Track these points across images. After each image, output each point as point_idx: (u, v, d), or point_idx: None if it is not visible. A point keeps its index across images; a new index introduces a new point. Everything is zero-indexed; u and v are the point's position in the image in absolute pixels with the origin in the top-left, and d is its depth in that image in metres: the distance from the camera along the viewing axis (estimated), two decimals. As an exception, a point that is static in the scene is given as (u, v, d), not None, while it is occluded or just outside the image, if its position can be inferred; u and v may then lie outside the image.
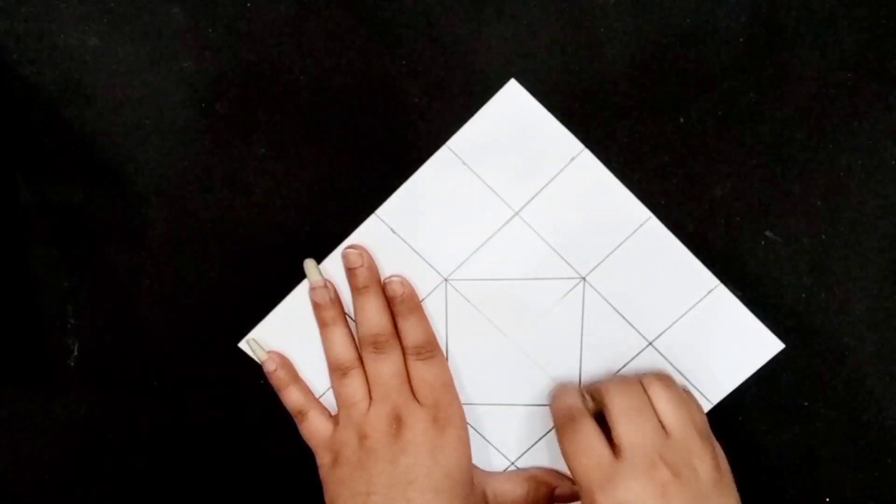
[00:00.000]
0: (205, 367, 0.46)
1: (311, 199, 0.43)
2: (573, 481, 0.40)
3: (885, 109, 0.41)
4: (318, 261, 0.44)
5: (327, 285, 0.43)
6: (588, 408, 0.42)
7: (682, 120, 0.42)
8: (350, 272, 0.43)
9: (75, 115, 0.43)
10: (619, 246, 0.43)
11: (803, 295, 0.43)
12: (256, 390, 0.46)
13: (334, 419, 0.44)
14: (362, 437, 0.42)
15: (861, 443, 0.44)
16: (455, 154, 0.42)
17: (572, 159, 0.42)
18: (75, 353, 0.46)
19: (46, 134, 0.43)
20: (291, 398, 0.44)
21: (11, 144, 0.43)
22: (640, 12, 0.41)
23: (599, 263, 0.43)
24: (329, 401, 0.45)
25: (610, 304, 0.44)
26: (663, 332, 0.44)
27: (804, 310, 0.43)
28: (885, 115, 0.41)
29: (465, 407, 0.44)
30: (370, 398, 0.43)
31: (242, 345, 0.45)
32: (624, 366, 0.44)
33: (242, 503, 0.47)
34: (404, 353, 0.43)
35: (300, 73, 0.42)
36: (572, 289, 0.44)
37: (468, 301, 0.44)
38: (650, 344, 0.44)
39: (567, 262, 0.43)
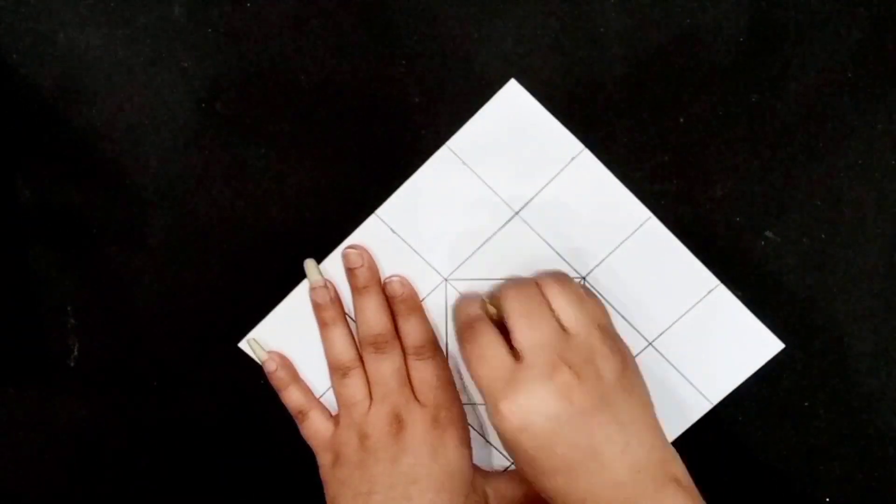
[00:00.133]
0: (205, 367, 0.46)
1: (311, 199, 0.43)
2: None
3: (885, 109, 0.41)
4: (318, 261, 0.44)
5: (327, 285, 0.43)
6: (490, 314, 0.41)
7: (682, 120, 0.42)
8: (350, 272, 0.43)
9: (75, 115, 0.43)
10: (619, 246, 0.43)
11: (803, 295, 0.43)
12: (256, 390, 0.46)
13: (335, 419, 0.44)
14: (363, 438, 0.42)
15: (861, 443, 0.44)
16: (455, 154, 0.42)
17: (572, 159, 0.42)
18: (75, 353, 0.45)
19: (46, 134, 0.43)
20: (292, 398, 0.44)
21: (11, 144, 0.43)
22: (640, 12, 0.41)
23: (599, 263, 0.43)
24: (329, 401, 0.45)
25: (610, 303, 0.44)
26: (663, 332, 0.44)
27: (804, 310, 0.43)
28: (885, 115, 0.41)
29: (465, 407, 0.44)
30: (371, 398, 0.43)
31: (242, 345, 0.45)
32: (624, 366, 0.44)
33: (242, 503, 0.47)
34: (405, 353, 0.43)
35: (300, 73, 0.42)
36: (572, 289, 0.44)
37: (468, 301, 0.44)
38: (650, 344, 0.44)
39: (567, 262, 0.43)
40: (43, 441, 0.47)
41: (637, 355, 0.44)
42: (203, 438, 0.47)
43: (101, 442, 0.47)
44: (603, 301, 0.43)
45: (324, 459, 0.43)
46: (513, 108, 0.42)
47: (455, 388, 0.44)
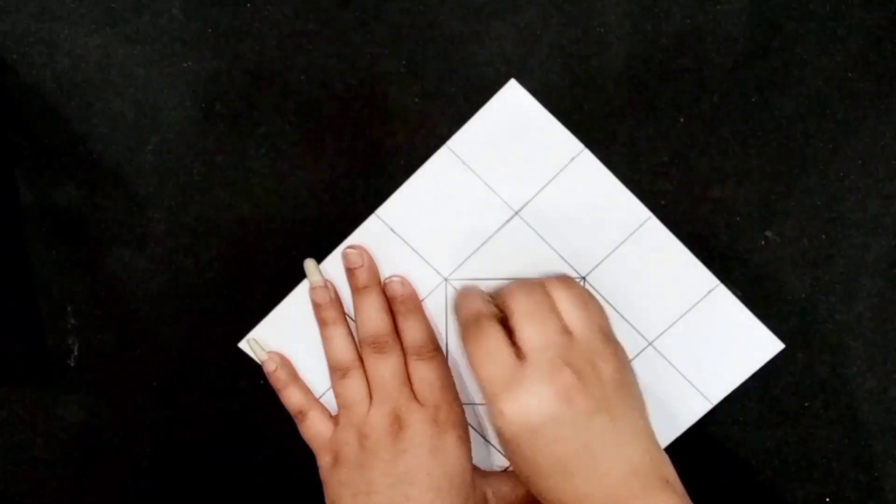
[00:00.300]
0: (205, 367, 0.46)
1: (311, 199, 0.43)
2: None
3: (885, 109, 0.41)
4: (318, 261, 0.44)
5: (327, 285, 0.43)
6: (492, 312, 0.41)
7: (682, 120, 0.42)
8: (350, 272, 0.43)
9: (75, 115, 0.43)
10: (619, 246, 0.43)
11: (803, 295, 0.43)
12: (256, 390, 0.46)
13: (334, 419, 0.44)
14: (363, 438, 0.42)
15: (861, 443, 0.44)
16: (455, 154, 0.42)
17: (572, 159, 0.42)
18: (75, 353, 0.46)
19: (46, 134, 0.43)
20: (291, 398, 0.44)
21: (11, 144, 0.43)
22: (640, 12, 0.41)
23: (599, 263, 0.43)
24: (329, 401, 0.45)
25: (610, 303, 0.44)
26: (663, 332, 0.44)
27: (804, 310, 0.43)
28: (885, 115, 0.41)
29: (465, 407, 0.44)
30: (370, 398, 0.43)
31: (242, 345, 0.45)
32: (624, 366, 0.44)
33: (242, 503, 0.47)
34: (405, 354, 0.43)
35: (300, 73, 0.42)
36: (572, 289, 0.44)
37: (468, 301, 0.44)
38: (650, 344, 0.44)
39: (567, 262, 0.43)
40: (43, 441, 0.47)
41: (637, 355, 0.44)
42: (203, 438, 0.47)
43: (101, 442, 0.47)
44: (603, 301, 0.43)
45: (323, 460, 0.43)
46: (513, 109, 0.42)
47: (455, 388, 0.44)
